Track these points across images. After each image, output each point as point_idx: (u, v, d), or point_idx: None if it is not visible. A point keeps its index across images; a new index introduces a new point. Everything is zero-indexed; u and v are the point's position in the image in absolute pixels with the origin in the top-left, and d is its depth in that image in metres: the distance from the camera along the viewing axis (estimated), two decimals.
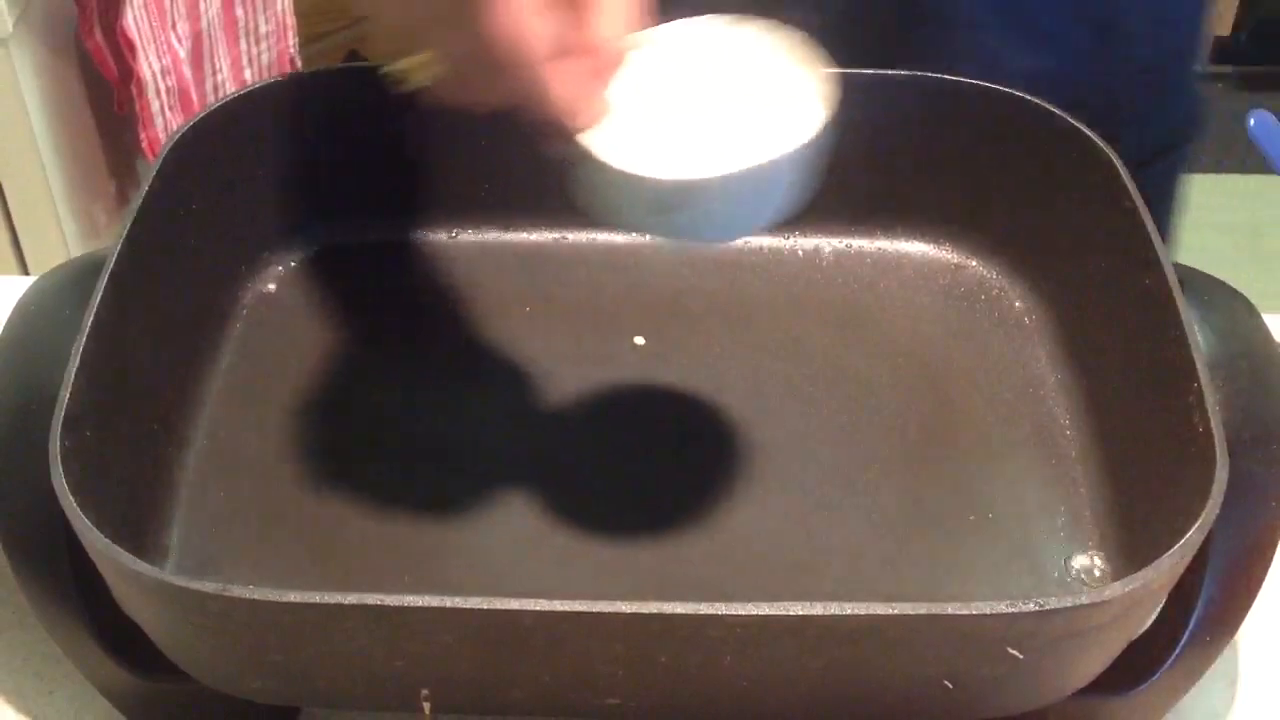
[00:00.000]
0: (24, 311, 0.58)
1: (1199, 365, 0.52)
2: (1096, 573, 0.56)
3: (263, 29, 1.58)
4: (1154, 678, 0.54)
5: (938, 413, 0.63)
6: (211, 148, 0.64)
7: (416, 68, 0.52)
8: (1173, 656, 0.54)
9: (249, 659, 0.50)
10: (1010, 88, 0.66)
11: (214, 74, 1.51)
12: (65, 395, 0.51)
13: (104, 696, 0.57)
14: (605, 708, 0.49)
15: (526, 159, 0.68)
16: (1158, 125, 0.79)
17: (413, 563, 0.58)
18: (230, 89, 1.53)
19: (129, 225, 0.58)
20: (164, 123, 1.41)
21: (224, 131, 0.65)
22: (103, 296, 0.54)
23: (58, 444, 0.49)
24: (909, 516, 0.59)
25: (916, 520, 0.59)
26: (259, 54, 1.59)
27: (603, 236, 0.71)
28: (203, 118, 0.64)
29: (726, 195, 0.50)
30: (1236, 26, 2.35)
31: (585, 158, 0.51)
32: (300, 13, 1.64)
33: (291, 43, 1.63)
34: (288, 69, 1.64)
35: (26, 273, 1.43)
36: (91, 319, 0.53)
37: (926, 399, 0.64)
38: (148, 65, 1.36)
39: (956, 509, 0.59)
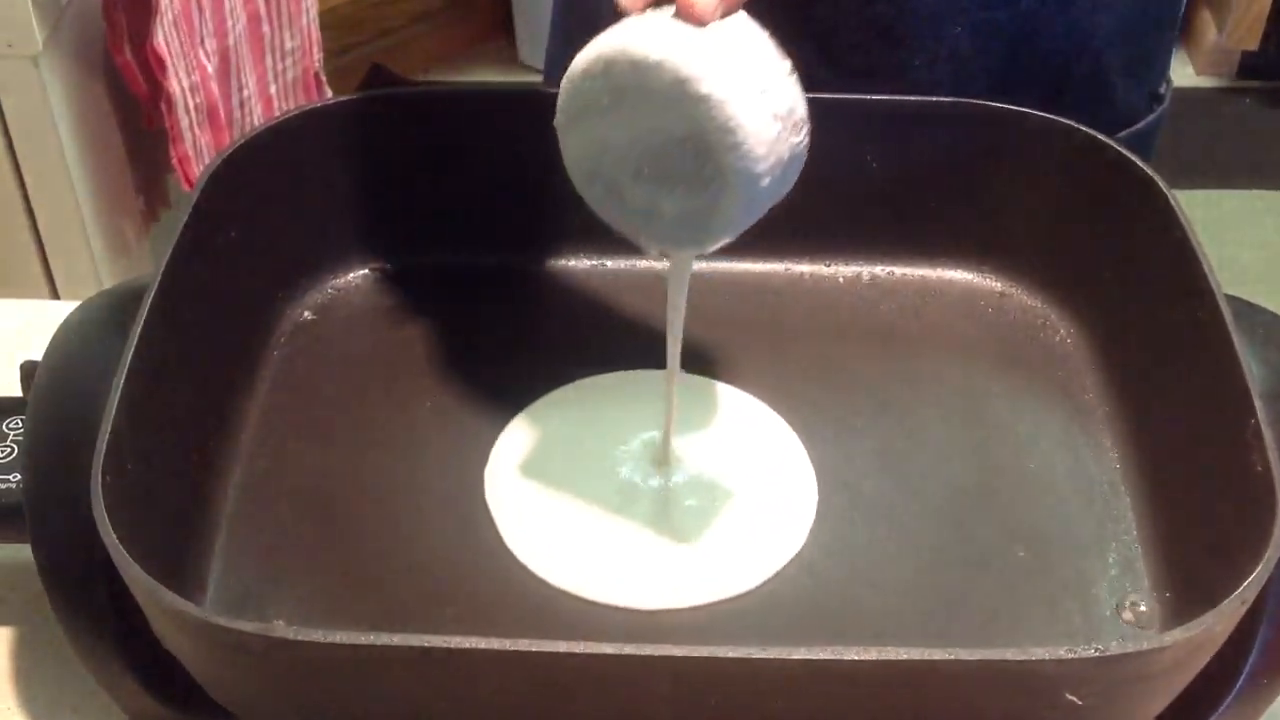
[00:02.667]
0: (63, 341, 0.57)
1: (1256, 401, 0.51)
2: (1148, 612, 0.55)
3: (288, 45, 1.58)
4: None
5: (983, 444, 0.62)
6: (248, 177, 0.64)
7: None
8: (1228, 699, 0.52)
9: (291, 697, 0.49)
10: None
11: (240, 90, 1.51)
12: (106, 429, 0.50)
13: None
14: None
15: (565, 186, 0.68)
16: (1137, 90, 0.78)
17: (454, 595, 0.57)
18: (256, 105, 1.53)
19: (168, 257, 0.57)
20: (193, 139, 1.41)
21: (260, 161, 0.64)
22: (143, 330, 0.54)
23: (99, 479, 0.49)
24: (956, 552, 0.58)
25: (964, 556, 0.58)
26: (284, 70, 1.58)
27: (642, 263, 0.70)
28: (238, 147, 0.64)
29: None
30: (1265, 41, 2.33)
31: None
32: (324, 27, 1.64)
33: (316, 58, 1.63)
34: (313, 85, 1.63)
35: (55, 290, 1.42)
36: (131, 353, 0.53)
37: (971, 430, 0.63)
38: (177, 82, 1.36)
39: (1004, 545, 0.58)
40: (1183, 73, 2.42)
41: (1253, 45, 2.34)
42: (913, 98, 0.66)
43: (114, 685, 0.55)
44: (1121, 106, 0.76)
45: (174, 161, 1.39)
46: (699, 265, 0.70)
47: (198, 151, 1.40)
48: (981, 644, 0.54)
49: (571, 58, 0.51)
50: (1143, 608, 0.56)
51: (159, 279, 0.56)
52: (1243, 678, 0.52)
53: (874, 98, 0.66)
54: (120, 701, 0.56)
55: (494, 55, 2.33)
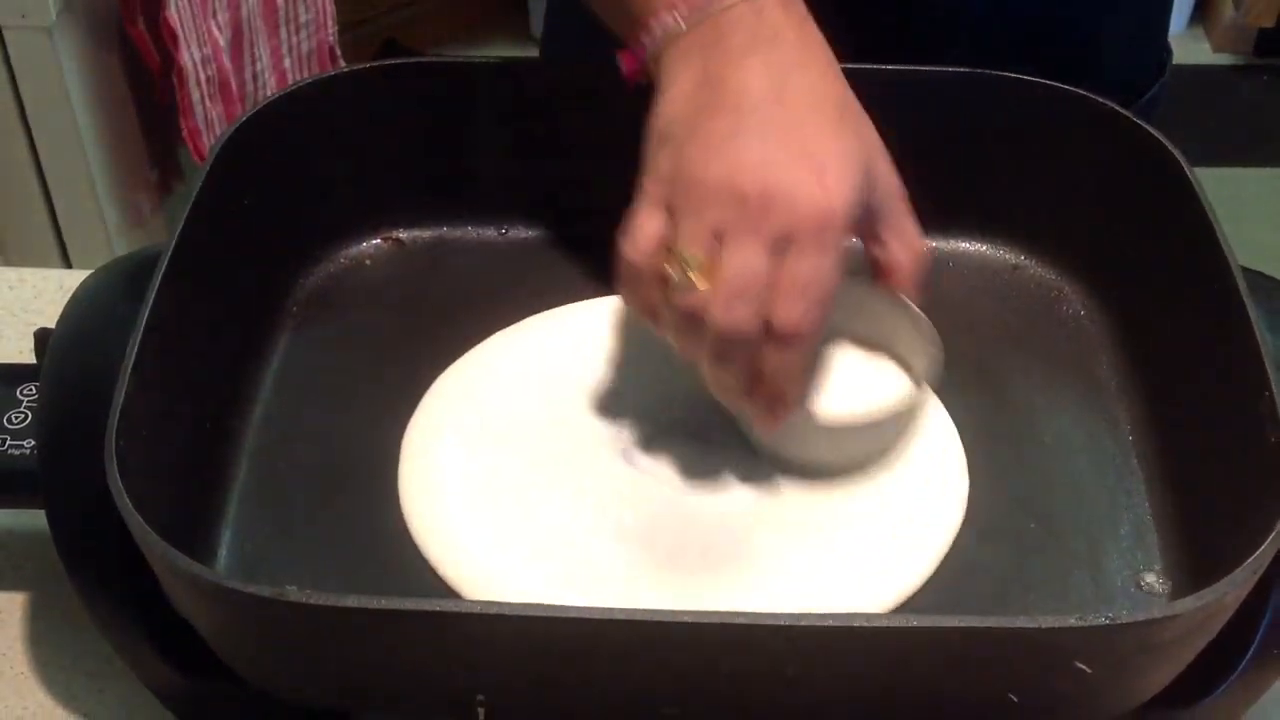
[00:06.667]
0: (77, 308, 0.57)
1: (1270, 374, 0.51)
2: (1160, 583, 0.55)
3: (303, 18, 1.57)
4: (1221, 689, 0.53)
5: (996, 417, 0.62)
6: (262, 145, 0.64)
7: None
8: (1239, 668, 0.53)
9: (303, 663, 0.50)
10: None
11: (253, 63, 1.51)
12: (120, 396, 0.50)
13: (155, 696, 0.57)
14: (662, 717, 0.49)
15: (578, 155, 0.67)
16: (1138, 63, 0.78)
17: None
18: (270, 78, 1.53)
19: (182, 224, 0.57)
20: (204, 112, 1.41)
21: (275, 128, 0.64)
22: (157, 295, 0.54)
23: (113, 445, 0.49)
24: (968, 523, 0.58)
25: (976, 527, 0.58)
26: (299, 43, 1.58)
27: None
28: (253, 114, 0.64)
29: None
30: None
31: None
32: (339, 1, 1.64)
33: (331, 31, 1.63)
34: (327, 58, 1.63)
35: (68, 261, 1.43)
36: (145, 319, 0.53)
37: (984, 402, 0.63)
38: (189, 55, 1.36)
39: (1017, 517, 0.58)
40: (1199, 50, 2.40)
41: (1269, 22, 2.33)
42: (926, 68, 0.65)
43: (129, 651, 0.55)
44: (1128, 79, 0.75)
45: (183, 134, 1.39)
46: None
47: (208, 124, 1.40)
48: (992, 614, 0.54)
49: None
50: (1154, 578, 0.56)
51: (172, 246, 0.56)
52: (1253, 648, 0.52)
53: (887, 68, 0.65)
54: (135, 667, 0.56)
55: (507, 29, 2.33)
